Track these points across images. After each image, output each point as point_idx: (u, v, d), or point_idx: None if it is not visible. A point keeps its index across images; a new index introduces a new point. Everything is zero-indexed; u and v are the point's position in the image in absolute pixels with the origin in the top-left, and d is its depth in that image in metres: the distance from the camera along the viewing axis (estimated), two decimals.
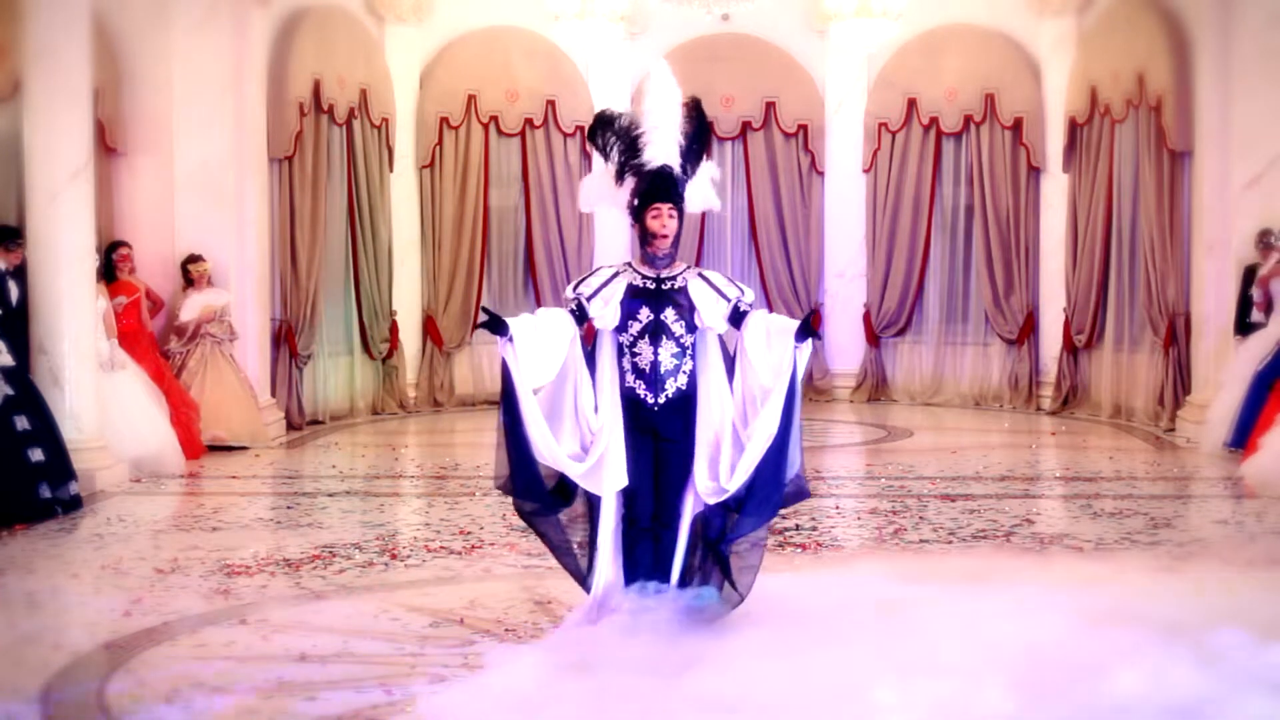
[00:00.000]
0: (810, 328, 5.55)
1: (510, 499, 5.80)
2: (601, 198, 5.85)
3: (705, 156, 5.80)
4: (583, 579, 5.77)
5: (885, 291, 15.53)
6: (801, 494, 5.78)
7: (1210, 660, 4.99)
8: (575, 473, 5.59)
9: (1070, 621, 5.56)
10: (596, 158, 5.82)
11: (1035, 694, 4.78)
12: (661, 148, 5.64)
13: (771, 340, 5.58)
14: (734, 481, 5.55)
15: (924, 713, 4.70)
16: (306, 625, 6.13)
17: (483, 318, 5.60)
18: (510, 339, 5.51)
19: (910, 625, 5.56)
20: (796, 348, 5.52)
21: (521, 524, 8.26)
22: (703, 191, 5.83)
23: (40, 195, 9.49)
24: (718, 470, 5.62)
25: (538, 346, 5.56)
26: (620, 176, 5.69)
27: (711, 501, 5.63)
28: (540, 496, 5.66)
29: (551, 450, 5.55)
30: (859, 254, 15.64)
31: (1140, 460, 11.24)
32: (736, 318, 5.66)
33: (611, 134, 5.68)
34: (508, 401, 5.56)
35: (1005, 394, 15.02)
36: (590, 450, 5.62)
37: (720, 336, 5.79)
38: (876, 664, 5.06)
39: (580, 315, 5.67)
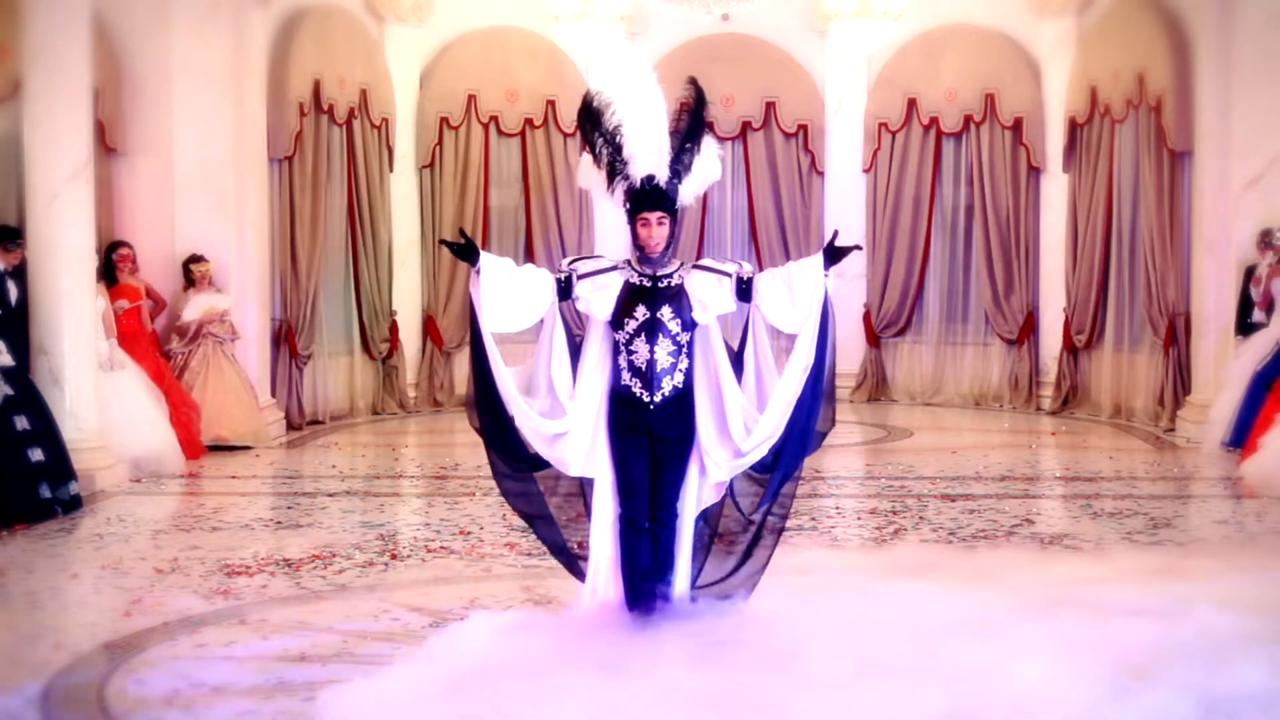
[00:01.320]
0: (838, 250, 5.56)
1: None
2: (594, 182, 5.80)
3: (701, 142, 5.67)
4: (549, 539, 5.85)
5: (885, 291, 15.53)
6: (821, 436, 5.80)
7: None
8: (533, 426, 5.57)
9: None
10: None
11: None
12: (647, 158, 5.56)
13: (794, 287, 5.58)
14: (750, 441, 5.57)
15: (919, 712, 4.72)
16: (306, 625, 6.13)
17: (459, 240, 5.54)
18: (478, 271, 5.50)
19: (904, 625, 5.56)
20: (825, 275, 5.56)
21: (521, 524, 8.30)
22: (703, 173, 5.73)
23: (40, 195, 9.49)
24: (731, 440, 5.62)
25: (506, 292, 5.53)
26: (610, 180, 5.64)
27: (734, 467, 5.63)
28: (509, 450, 5.65)
29: (512, 394, 5.55)
30: (859, 254, 15.60)
31: (1140, 460, 11.24)
32: (744, 292, 5.63)
33: (598, 135, 5.61)
34: (474, 339, 5.59)
35: (1005, 394, 15.02)
36: (559, 423, 5.62)
37: (723, 334, 5.78)
38: (866, 664, 5.07)
39: (565, 289, 5.64)
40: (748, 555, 5.79)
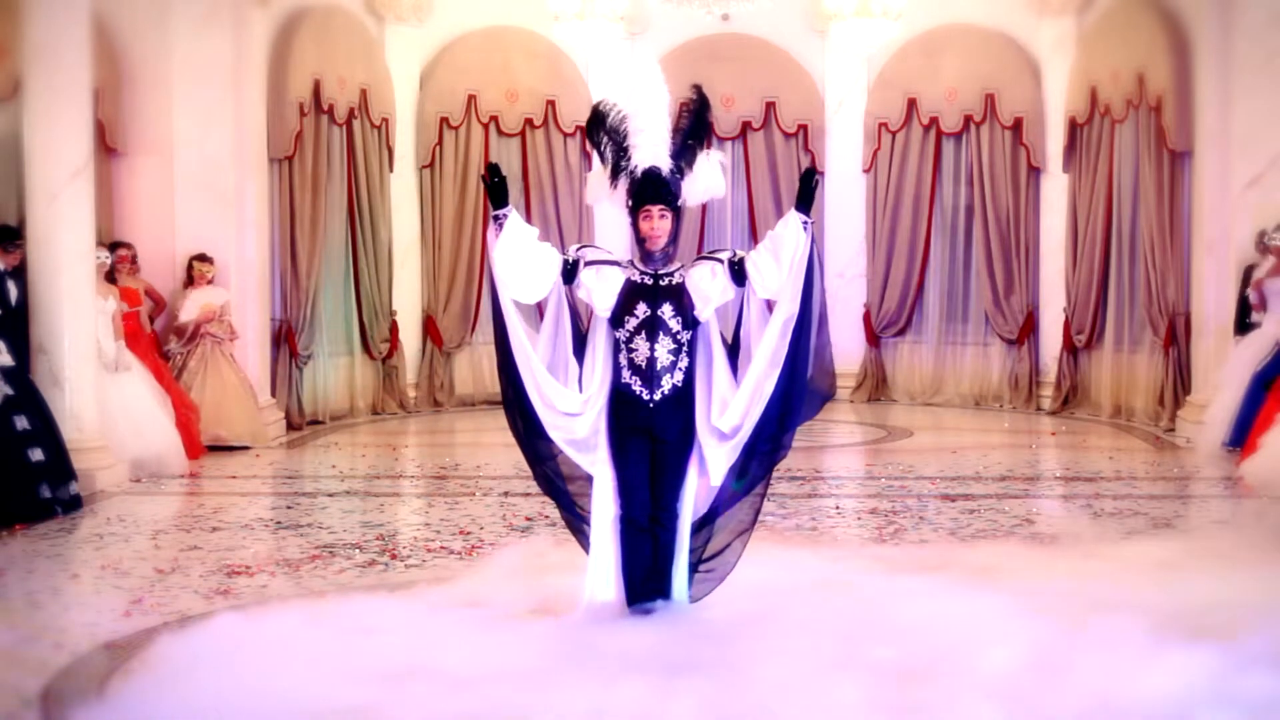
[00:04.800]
0: (805, 191, 5.56)
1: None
2: (602, 194, 5.81)
3: (705, 147, 5.71)
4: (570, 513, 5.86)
5: (885, 291, 15.53)
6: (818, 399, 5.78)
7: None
8: (546, 394, 5.59)
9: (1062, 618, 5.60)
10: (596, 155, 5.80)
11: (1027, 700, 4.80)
12: (649, 149, 5.58)
13: (778, 249, 5.56)
14: (729, 416, 5.56)
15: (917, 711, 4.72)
16: None
17: (493, 177, 5.54)
18: (497, 220, 5.50)
19: (904, 624, 5.57)
20: (806, 221, 5.54)
21: (521, 525, 8.31)
22: (705, 182, 5.75)
23: (40, 195, 9.49)
24: (720, 430, 5.62)
25: (523, 255, 5.56)
26: (614, 178, 5.66)
27: (730, 452, 5.60)
28: (519, 407, 5.64)
29: (527, 356, 5.57)
30: (859, 254, 15.65)
31: (1140, 460, 11.24)
32: (739, 275, 5.62)
33: (603, 133, 5.65)
34: (494, 304, 5.65)
35: (1005, 394, 15.02)
36: (571, 400, 5.63)
37: (720, 332, 5.77)
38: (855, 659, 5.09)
39: (570, 272, 5.64)
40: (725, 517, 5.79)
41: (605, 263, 5.70)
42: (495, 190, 5.55)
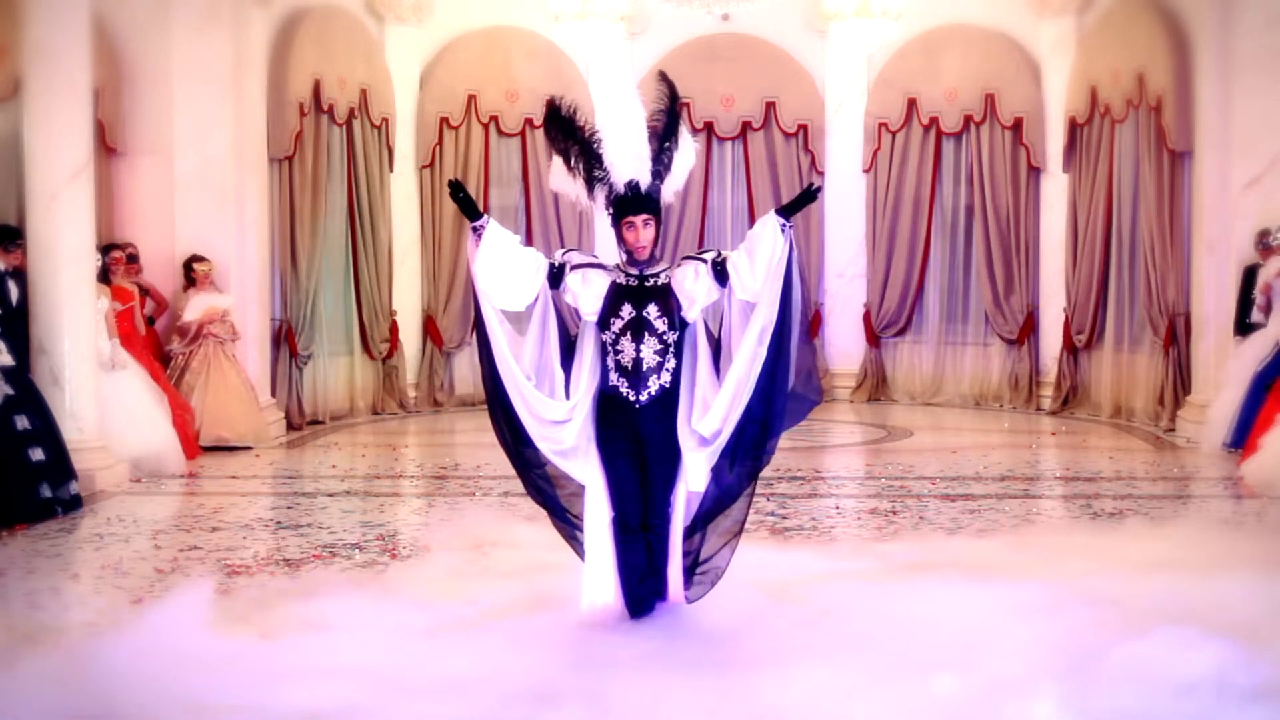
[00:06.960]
0: (797, 201, 5.49)
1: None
2: (566, 186, 5.75)
3: (679, 138, 5.66)
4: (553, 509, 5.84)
5: (885, 291, 15.53)
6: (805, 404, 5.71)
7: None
8: (534, 408, 5.57)
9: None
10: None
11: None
12: (628, 164, 5.55)
13: (754, 250, 5.49)
14: (708, 420, 5.50)
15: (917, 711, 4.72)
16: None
17: (457, 194, 5.51)
18: (476, 231, 5.48)
19: (903, 624, 5.57)
20: (784, 224, 5.45)
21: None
22: (682, 168, 5.70)
23: (40, 195, 9.49)
24: (700, 434, 5.57)
25: (505, 263, 5.53)
26: (589, 186, 5.61)
27: (710, 456, 5.55)
28: (505, 417, 5.63)
29: (510, 369, 5.54)
30: (859, 254, 15.65)
31: (1140, 460, 11.24)
32: (722, 275, 5.57)
33: (572, 143, 5.60)
34: (477, 315, 5.63)
35: (1005, 394, 15.02)
36: (558, 408, 5.60)
37: (707, 330, 5.75)
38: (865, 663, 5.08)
39: (556, 276, 5.62)
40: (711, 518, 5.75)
41: (591, 266, 5.68)
42: (464, 204, 5.53)
